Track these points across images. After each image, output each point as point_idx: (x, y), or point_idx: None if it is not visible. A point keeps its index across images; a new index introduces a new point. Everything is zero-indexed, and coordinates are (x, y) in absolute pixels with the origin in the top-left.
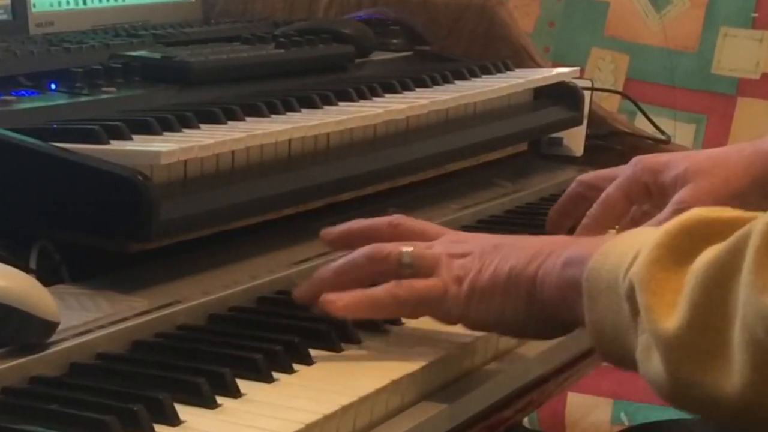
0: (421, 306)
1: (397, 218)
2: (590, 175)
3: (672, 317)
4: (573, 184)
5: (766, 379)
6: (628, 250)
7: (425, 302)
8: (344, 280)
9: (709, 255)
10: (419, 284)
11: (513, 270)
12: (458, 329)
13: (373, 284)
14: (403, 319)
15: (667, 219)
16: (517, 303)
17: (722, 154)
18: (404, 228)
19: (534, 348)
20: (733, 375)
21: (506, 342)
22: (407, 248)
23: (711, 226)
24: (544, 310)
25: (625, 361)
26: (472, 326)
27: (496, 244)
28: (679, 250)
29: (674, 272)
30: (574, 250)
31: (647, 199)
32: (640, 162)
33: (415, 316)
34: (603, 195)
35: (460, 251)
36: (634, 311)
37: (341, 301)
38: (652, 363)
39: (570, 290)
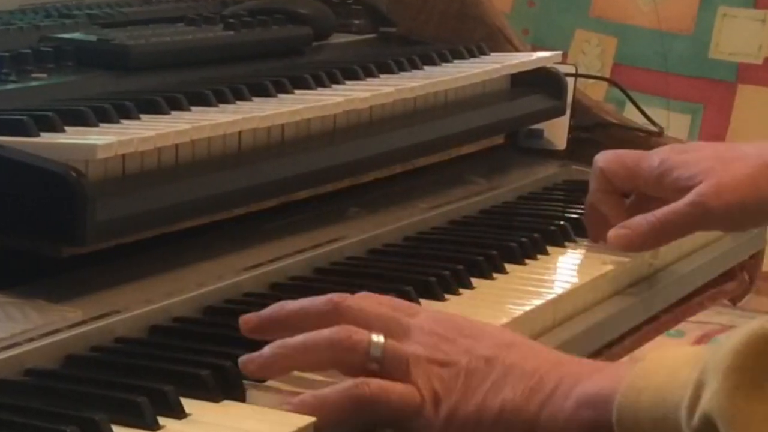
0: (390, 416)
1: (338, 297)
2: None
3: None
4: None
5: None
6: (673, 379)
7: (394, 412)
8: (298, 360)
9: None
10: (391, 387)
11: (506, 405)
12: None
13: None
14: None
15: (684, 209)
16: None
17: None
18: (349, 311)
19: None
20: None
21: None
22: (378, 337)
23: None
24: None
25: None
26: None
27: (489, 357)
28: (760, 373)
29: (761, 401)
30: (588, 386)
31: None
32: (667, 161)
33: (382, 424)
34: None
35: (442, 357)
36: None
37: (296, 401)
38: None
39: None
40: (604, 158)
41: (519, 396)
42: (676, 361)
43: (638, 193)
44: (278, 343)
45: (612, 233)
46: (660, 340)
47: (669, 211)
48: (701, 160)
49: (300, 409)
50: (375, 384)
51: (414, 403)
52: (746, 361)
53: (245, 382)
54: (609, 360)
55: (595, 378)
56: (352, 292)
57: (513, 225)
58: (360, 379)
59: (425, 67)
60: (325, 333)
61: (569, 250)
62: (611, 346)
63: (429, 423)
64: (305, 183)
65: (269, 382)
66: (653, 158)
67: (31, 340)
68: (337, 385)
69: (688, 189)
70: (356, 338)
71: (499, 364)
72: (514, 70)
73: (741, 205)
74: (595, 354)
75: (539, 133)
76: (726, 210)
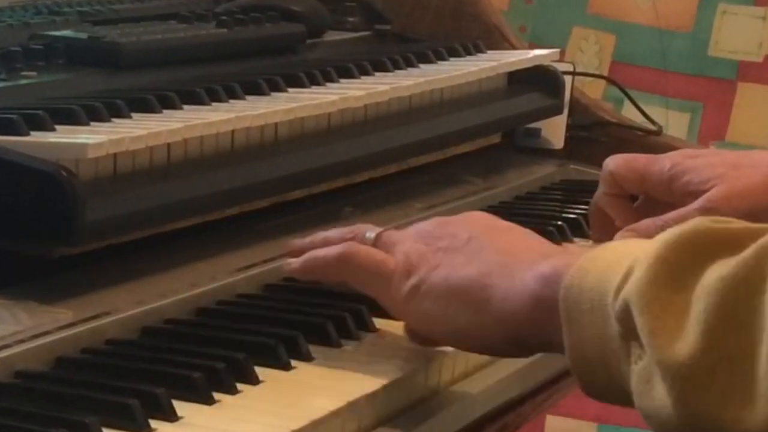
0: (367, 279)
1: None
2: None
3: (681, 343)
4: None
5: None
6: (614, 265)
7: (370, 275)
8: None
9: (720, 271)
10: (370, 253)
11: (468, 275)
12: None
13: None
14: (361, 334)
15: (693, 214)
16: (465, 309)
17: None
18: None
19: (508, 366)
20: (757, 409)
21: (477, 359)
22: (371, 232)
23: (717, 238)
24: (500, 325)
25: (611, 392)
26: (412, 322)
27: (470, 236)
28: (682, 265)
29: (677, 291)
30: (547, 264)
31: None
32: (679, 165)
33: (364, 289)
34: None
35: (428, 239)
36: (627, 335)
37: (296, 263)
38: (655, 395)
39: (541, 309)
40: (614, 162)
41: (483, 269)
42: (625, 251)
43: (647, 197)
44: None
45: (619, 236)
46: None
47: (678, 215)
48: (712, 166)
49: (303, 266)
50: (358, 248)
51: (387, 268)
52: (672, 253)
53: (239, 384)
54: None
55: (553, 259)
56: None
57: None
58: (353, 243)
59: (421, 65)
60: (331, 234)
61: None
62: None
63: (399, 288)
64: (299, 183)
65: (262, 385)
66: (664, 162)
67: (21, 341)
68: (338, 246)
69: (698, 194)
70: (355, 230)
71: (474, 243)
72: (511, 68)
73: (751, 213)
74: None
75: (536, 132)
76: (735, 217)
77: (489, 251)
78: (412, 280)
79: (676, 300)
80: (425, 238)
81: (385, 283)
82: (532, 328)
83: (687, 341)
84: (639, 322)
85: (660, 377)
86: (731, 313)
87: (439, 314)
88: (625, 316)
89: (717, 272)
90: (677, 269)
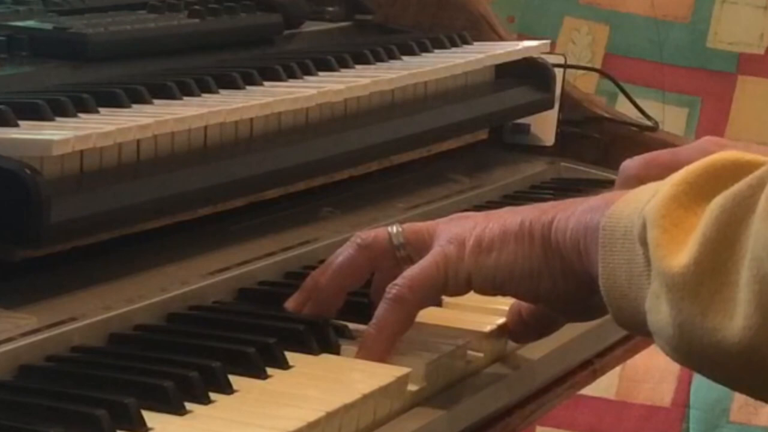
0: (432, 290)
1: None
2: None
3: (680, 255)
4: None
5: None
6: (648, 191)
7: (430, 285)
8: (344, 282)
9: (727, 192)
10: (415, 273)
11: (525, 220)
12: (395, 355)
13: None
14: (341, 341)
15: None
16: (531, 251)
17: None
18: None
19: (493, 377)
20: (736, 316)
21: (460, 370)
22: (395, 228)
23: (741, 168)
24: (559, 258)
25: (638, 321)
26: (482, 282)
27: (499, 213)
28: (702, 188)
29: (693, 212)
30: (596, 199)
31: None
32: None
33: (441, 296)
34: None
35: (459, 218)
36: (647, 255)
37: (360, 354)
38: (660, 311)
39: (585, 236)
40: (635, 165)
41: (535, 214)
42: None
43: None
44: (317, 272)
45: None
46: (652, 350)
47: None
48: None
49: (369, 353)
50: (403, 283)
51: (436, 263)
52: (696, 177)
53: (212, 393)
54: (600, 371)
55: (607, 194)
56: None
57: None
58: (390, 286)
59: (404, 57)
60: (348, 244)
61: None
62: (602, 356)
63: (459, 259)
64: (275, 181)
65: (236, 395)
66: (691, 153)
67: None
68: (380, 305)
69: None
70: (374, 232)
71: (516, 208)
72: (499, 61)
73: None
74: (585, 364)
75: (525, 128)
76: None
77: (532, 207)
78: (470, 243)
79: (690, 219)
80: (455, 217)
81: (443, 274)
82: (578, 255)
83: (685, 253)
84: (650, 235)
85: (661, 291)
86: (727, 229)
87: (507, 261)
88: (643, 234)
89: (725, 194)
90: (697, 191)
